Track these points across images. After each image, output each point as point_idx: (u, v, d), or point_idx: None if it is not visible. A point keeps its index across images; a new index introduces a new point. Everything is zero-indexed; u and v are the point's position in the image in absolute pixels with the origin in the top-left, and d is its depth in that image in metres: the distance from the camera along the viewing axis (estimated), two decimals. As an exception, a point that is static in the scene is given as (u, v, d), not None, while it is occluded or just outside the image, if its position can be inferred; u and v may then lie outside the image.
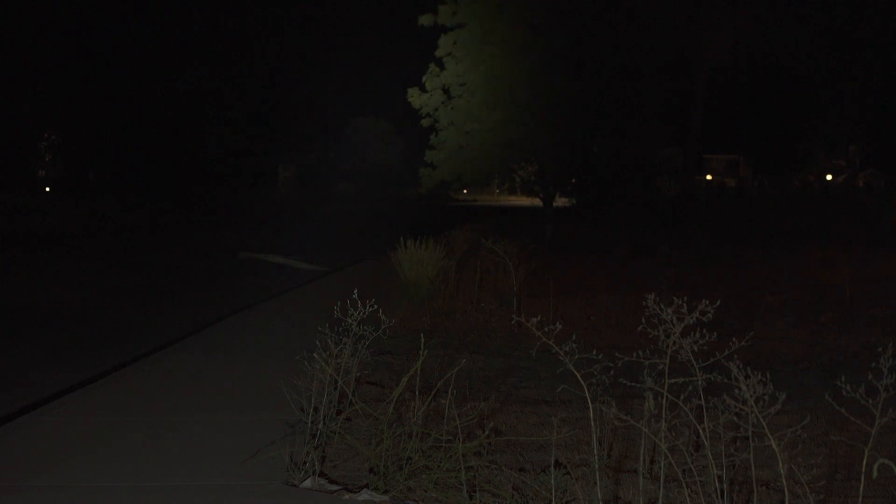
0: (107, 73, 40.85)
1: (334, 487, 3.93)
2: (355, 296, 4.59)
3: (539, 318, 3.33)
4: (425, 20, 17.80)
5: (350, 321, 4.53)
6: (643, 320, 3.24)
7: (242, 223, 29.15)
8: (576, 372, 3.23)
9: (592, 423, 3.32)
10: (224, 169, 46.51)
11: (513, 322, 8.04)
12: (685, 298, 3.20)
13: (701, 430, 3.16)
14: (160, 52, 41.72)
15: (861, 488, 2.96)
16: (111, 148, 44.03)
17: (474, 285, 9.59)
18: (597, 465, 3.41)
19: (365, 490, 3.87)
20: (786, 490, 2.94)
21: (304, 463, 4.05)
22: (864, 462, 2.85)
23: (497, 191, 66.98)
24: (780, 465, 2.89)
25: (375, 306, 4.71)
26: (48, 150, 47.01)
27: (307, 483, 3.94)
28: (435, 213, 33.45)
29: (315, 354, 4.38)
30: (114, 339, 8.27)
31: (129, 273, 13.90)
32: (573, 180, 20.57)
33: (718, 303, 3.19)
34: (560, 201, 21.38)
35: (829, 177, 58.72)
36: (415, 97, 18.28)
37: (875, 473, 2.77)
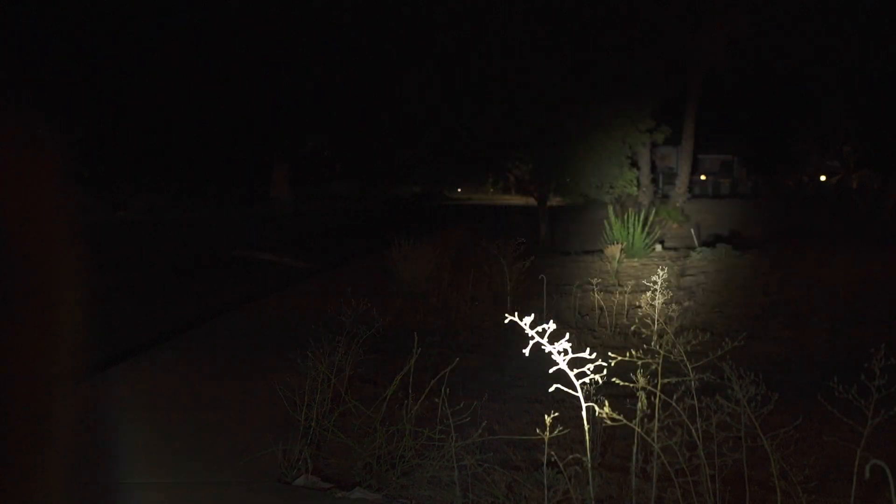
0: (103, 69, 40.82)
1: (327, 485, 3.93)
2: (349, 294, 4.60)
3: (532, 318, 3.33)
4: None
5: (344, 319, 4.53)
6: (636, 320, 3.24)
7: (237, 221, 29.10)
8: (568, 371, 3.23)
9: (585, 423, 3.32)
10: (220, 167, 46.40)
11: (506, 321, 8.04)
12: (678, 298, 3.20)
13: (693, 430, 3.16)
14: (158, 49, 41.75)
15: (853, 489, 2.97)
16: (105, 143, 43.97)
17: (468, 284, 9.59)
18: (590, 465, 3.41)
19: (358, 488, 3.87)
20: (778, 490, 2.94)
21: (298, 460, 4.05)
22: (857, 462, 2.85)
23: (491, 190, 66.89)
24: (773, 464, 2.90)
25: (369, 304, 4.72)
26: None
27: (300, 480, 3.94)
28: (429, 212, 33.46)
29: (308, 352, 4.38)
30: (106, 336, 8.24)
31: (121, 269, 13.86)
32: (567, 180, 20.57)
33: (712, 303, 3.20)
34: (554, 201, 21.38)
35: (822, 177, 58.86)
36: None
37: (867, 474, 2.78)
